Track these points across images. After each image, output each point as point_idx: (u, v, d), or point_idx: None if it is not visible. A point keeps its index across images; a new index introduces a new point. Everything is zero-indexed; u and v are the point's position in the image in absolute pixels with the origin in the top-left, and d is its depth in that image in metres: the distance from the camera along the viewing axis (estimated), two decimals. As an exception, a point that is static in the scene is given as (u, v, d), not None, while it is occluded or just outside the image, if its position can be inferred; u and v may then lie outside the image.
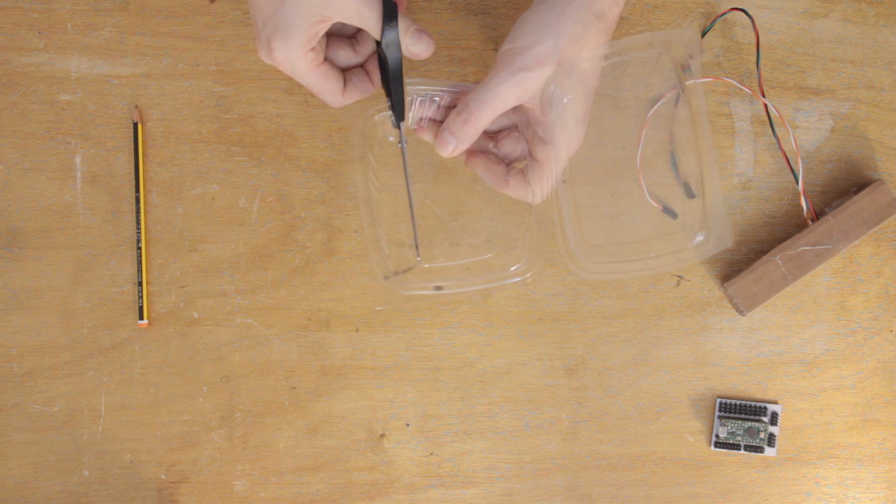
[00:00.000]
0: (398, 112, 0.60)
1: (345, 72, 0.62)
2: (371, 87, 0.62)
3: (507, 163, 0.65)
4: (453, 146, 0.60)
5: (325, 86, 0.60)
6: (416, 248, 0.66)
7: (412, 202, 0.64)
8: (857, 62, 0.71)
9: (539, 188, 0.62)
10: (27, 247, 0.70)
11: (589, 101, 0.60)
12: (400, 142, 0.62)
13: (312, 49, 0.58)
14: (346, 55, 0.62)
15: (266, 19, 0.57)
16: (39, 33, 0.70)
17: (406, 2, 0.64)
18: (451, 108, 0.62)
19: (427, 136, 0.62)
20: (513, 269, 0.68)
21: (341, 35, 0.63)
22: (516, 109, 0.62)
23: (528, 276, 0.67)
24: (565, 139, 0.60)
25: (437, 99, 0.62)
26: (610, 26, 0.59)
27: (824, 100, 0.71)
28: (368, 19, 0.57)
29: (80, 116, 0.70)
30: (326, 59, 0.61)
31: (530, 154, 0.63)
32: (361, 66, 0.63)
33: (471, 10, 0.71)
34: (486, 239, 0.71)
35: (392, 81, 0.59)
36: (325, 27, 0.57)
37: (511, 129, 0.65)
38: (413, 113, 0.62)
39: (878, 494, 0.72)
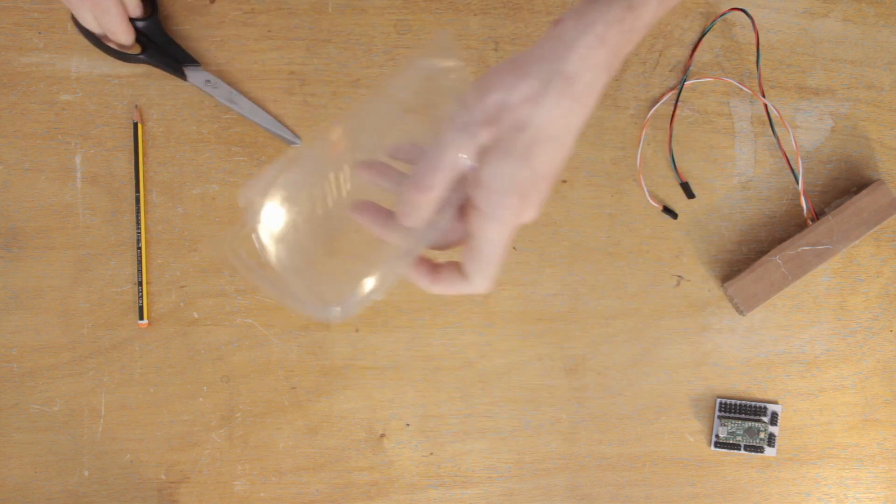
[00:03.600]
0: None
1: None
2: None
3: (442, 248, 0.53)
4: (412, 219, 0.50)
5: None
6: None
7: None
8: (857, 62, 0.71)
9: (477, 273, 0.50)
10: (27, 247, 0.70)
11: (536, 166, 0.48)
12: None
13: None
14: None
15: None
16: (39, 33, 0.70)
17: None
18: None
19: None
20: None
21: None
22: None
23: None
24: (503, 200, 0.48)
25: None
26: (580, 92, 0.48)
27: (824, 100, 0.71)
28: None
29: (80, 116, 0.70)
30: None
31: (468, 235, 0.50)
32: None
33: (471, 10, 0.71)
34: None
35: None
36: None
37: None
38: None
39: (878, 494, 0.72)
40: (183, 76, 0.69)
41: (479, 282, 0.50)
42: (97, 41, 0.68)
